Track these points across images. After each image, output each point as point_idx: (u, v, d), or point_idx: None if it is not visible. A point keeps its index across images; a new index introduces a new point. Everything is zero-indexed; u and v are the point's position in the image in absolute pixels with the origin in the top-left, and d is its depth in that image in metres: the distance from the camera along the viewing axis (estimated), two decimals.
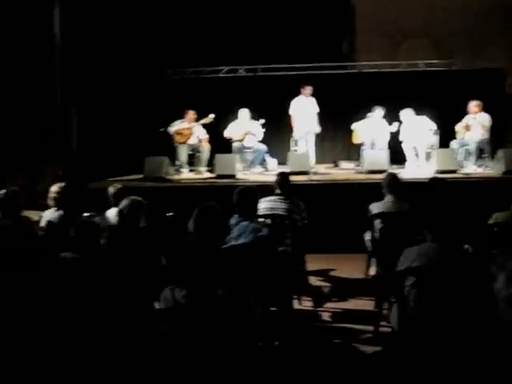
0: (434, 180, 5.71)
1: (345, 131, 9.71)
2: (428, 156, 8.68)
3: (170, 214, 5.39)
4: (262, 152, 9.29)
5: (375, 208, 5.22)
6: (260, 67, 10.57)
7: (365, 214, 5.30)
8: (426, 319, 3.15)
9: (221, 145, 9.17)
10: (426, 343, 3.15)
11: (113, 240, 4.02)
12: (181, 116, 9.35)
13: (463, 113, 8.70)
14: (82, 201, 4.59)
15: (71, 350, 2.87)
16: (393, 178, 5.41)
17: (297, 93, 9.43)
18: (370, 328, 4.45)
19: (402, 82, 9.91)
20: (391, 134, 9.01)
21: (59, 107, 8.54)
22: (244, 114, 9.24)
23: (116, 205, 4.88)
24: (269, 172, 8.87)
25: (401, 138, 8.89)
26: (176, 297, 2.64)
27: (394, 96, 9.50)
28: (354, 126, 9.29)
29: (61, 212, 4.67)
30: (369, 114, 9.25)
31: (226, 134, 9.22)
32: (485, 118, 8.54)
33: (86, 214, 4.84)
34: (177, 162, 9.23)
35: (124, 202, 4.21)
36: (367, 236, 5.52)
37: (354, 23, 10.69)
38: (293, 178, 6.50)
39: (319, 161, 9.94)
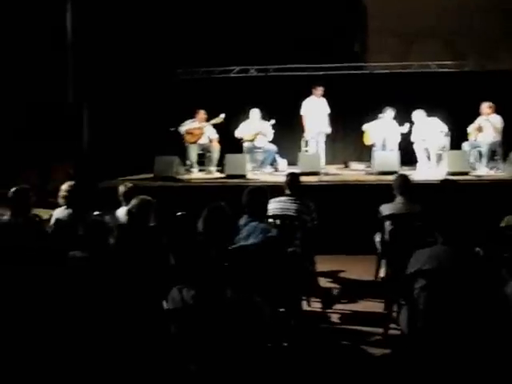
0: (445, 182, 5.66)
1: (356, 132, 9.67)
2: (439, 158, 8.63)
3: (180, 213, 5.38)
4: (272, 152, 9.28)
5: (386, 209, 5.19)
6: (271, 67, 10.55)
7: (375, 215, 5.27)
8: (436, 322, 3.12)
9: (231, 145, 9.17)
10: (436, 347, 3.12)
11: (122, 239, 4.02)
12: (191, 116, 9.36)
13: (475, 114, 8.63)
14: (91, 200, 4.57)
15: (78, 348, 2.87)
16: (403, 179, 5.38)
17: (308, 93, 9.42)
18: (380, 330, 4.42)
19: (413, 83, 9.83)
20: (402, 135, 8.97)
21: (71, 106, 8.57)
22: (255, 114, 9.24)
23: (126, 204, 4.90)
24: (279, 172, 8.86)
25: (412, 139, 8.84)
26: (184, 297, 2.63)
27: (406, 97, 9.43)
28: (366, 126, 9.26)
29: (70, 210, 4.67)
30: (380, 115, 9.21)
31: (237, 133, 9.22)
32: (497, 120, 8.47)
33: (96, 213, 4.87)
34: (187, 162, 9.24)
35: (133, 202, 4.22)
36: (377, 237, 5.48)
37: (365, 23, 10.62)
38: (303, 178, 6.49)
39: (330, 161, 9.94)
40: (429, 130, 8.72)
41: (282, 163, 9.41)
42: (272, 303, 3.56)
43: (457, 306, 3.06)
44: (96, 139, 8.86)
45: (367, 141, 9.28)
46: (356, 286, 5.81)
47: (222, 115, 9.16)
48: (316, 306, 5.12)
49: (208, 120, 9.28)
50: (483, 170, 8.32)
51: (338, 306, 5.18)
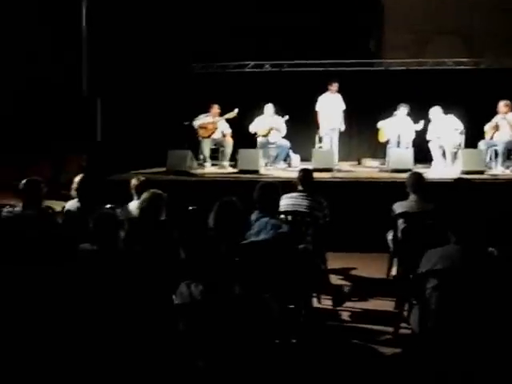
0: (459, 180, 5.60)
1: (370, 129, 9.61)
2: (454, 156, 8.54)
3: (192, 208, 5.38)
4: (285, 148, 9.26)
5: (399, 207, 5.15)
6: (286, 63, 10.50)
7: (388, 213, 5.23)
8: (448, 323, 3.08)
9: (244, 140, 9.15)
10: (447, 347, 3.08)
11: (132, 233, 4.02)
12: (205, 110, 9.34)
13: (492, 112, 8.52)
14: (102, 192, 4.57)
15: (87, 342, 2.87)
16: (417, 177, 5.33)
17: (322, 89, 9.38)
18: (390, 329, 4.39)
19: (429, 80, 9.75)
20: (417, 132, 8.89)
21: (85, 100, 8.60)
22: (269, 109, 9.21)
23: (138, 197, 4.90)
24: (292, 168, 8.83)
25: (428, 136, 8.74)
26: (192, 292, 2.62)
27: (421, 94, 9.35)
28: (380, 124, 9.19)
29: (82, 202, 4.67)
30: (395, 112, 9.14)
31: (252, 128, 9.20)
32: None
33: (107, 206, 4.87)
34: (200, 156, 9.24)
35: (144, 195, 4.21)
36: (390, 236, 5.44)
37: (382, 19, 10.53)
38: (316, 174, 6.48)
39: (344, 158, 9.90)
40: (444, 127, 8.63)
41: (295, 159, 9.39)
42: (282, 300, 3.55)
43: (469, 307, 3.02)
44: (109, 132, 8.89)
45: (382, 138, 9.22)
46: (367, 284, 5.76)
47: (236, 110, 9.15)
48: (326, 303, 5.07)
49: (222, 115, 9.27)
50: (499, 169, 8.22)
51: (349, 304, 5.14)
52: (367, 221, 6.67)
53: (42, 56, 8.98)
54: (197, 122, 9.26)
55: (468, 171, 7.72)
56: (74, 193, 4.84)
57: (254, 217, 4.06)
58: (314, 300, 4.92)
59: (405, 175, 5.78)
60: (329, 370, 3.77)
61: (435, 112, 8.71)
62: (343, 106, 9.39)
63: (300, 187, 5.40)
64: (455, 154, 8.52)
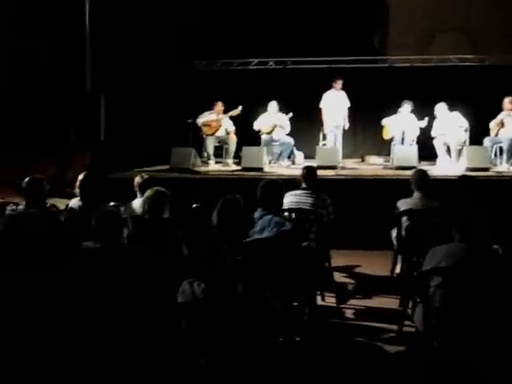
0: (463, 178, 5.57)
1: (375, 126, 9.57)
2: (459, 153, 8.50)
3: (195, 205, 5.36)
4: (289, 145, 9.24)
5: (403, 205, 5.13)
6: (290, 60, 10.47)
7: (393, 210, 5.21)
8: (452, 321, 3.07)
9: (248, 137, 9.13)
10: (451, 345, 3.07)
11: (135, 230, 4.02)
12: (209, 107, 9.33)
13: (498, 109, 8.47)
14: (106, 190, 4.56)
15: (89, 339, 2.87)
16: (421, 174, 5.31)
17: (326, 86, 9.34)
18: (394, 327, 4.37)
19: (434, 77, 9.70)
20: (421, 129, 8.85)
21: (89, 98, 8.61)
22: (272, 106, 9.19)
23: (141, 195, 4.90)
24: (296, 165, 8.81)
25: (433, 133, 8.69)
26: (195, 291, 2.61)
27: (426, 91, 9.30)
28: (385, 121, 9.16)
29: (84, 200, 4.67)
30: (400, 109, 9.11)
31: (256, 126, 9.18)
32: None
33: (111, 204, 4.88)
34: (204, 154, 9.23)
35: (148, 193, 4.21)
36: (394, 233, 5.42)
37: (386, 16, 10.49)
38: (320, 172, 6.46)
39: (349, 155, 9.87)
40: (449, 124, 8.58)
41: (299, 156, 9.36)
42: (285, 297, 3.54)
43: (473, 305, 3.00)
44: (113, 130, 8.89)
45: (386, 135, 9.19)
46: (371, 282, 5.74)
47: (240, 107, 9.13)
48: (330, 300, 5.08)
49: (225, 112, 9.25)
50: (504, 166, 8.17)
51: (353, 302, 5.14)
52: (371, 218, 6.65)
53: (45, 54, 8.98)
54: (200, 120, 9.24)
55: (473, 168, 7.68)
56: (77, 190, 4.84)
57: (257, 214, 4.04)
58: (318, 297, 4.91)
59: (409, 172, 5.75)
60: (332, 367, 3.76)
61: (440, 108, 8.66)
62: (348, 104, 9.36)
63: (304, 185, 5.38)
64: (460, 151, 8.47)
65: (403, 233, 4.90)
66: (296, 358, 3.59)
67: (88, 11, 8.64)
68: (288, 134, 9.23)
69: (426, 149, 8.75)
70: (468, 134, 8.56)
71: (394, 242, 5.41)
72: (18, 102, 9.28)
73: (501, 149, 8.38)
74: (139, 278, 3.21)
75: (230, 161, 9.17)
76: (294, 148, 9.36)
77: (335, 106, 9.28)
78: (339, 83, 9.26)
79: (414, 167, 7.12)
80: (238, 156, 9.01)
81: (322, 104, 9.32)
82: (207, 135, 9.24)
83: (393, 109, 9.14)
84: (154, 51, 9.57)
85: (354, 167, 9.05)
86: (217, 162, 9.28)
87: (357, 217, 6.77)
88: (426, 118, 8.68)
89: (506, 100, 8.36)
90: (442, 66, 9.96)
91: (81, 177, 4.96)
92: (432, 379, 3.18)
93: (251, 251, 3.63)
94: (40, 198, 4.43)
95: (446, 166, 8.41)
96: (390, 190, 6.54)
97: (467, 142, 8.53)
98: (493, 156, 8.39)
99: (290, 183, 5.53)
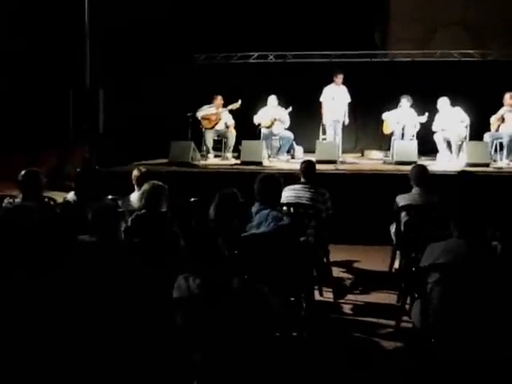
0: (461, 173, 5.54)
1: (375, 121, 9.54)
2: (459, 148, 8.46)
3: (194, 199, 5.35)
4: (288, 139, 9.21)
5: (402, 200, 5.11)
6: (290, 54, 10.43)
7: (392, 205, 5.19)
8: (449, 318, 3.05)
9: (247, 131, 9.10)
10: (449, 342, 3.05)
11: (132, 224, 4.00)
12: (209, 101, 9.29)
13: (499, 105, 8.43)
14: (97, 184, 4.52)
15: (83, 334, 2.85)
16: (420, 170, 5.28)
17: (327, 81, 9.31)
18: (392, 322, 4.36)
19: (435, 72, 9.65)
20: (422, 124, 8.82)
21: (87, 91, 8.58)
22: (272, 100, 9.15)
23: (139, 188, 4.88)
24: (295, 160, 8.79)
25: (434, 127, 8.64)
26: (190, 286, 2.59)
27: (427, 86, 9.26)
28: (385, 115, 9.12)
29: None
30: (400, 104, 9.07)
31: (256, 119, 9.15)
32: None
33: (109, 197, 4.86)
34: (203, 148, 9.20)
35: (145, 187, 4.18)
36: (393, 228, 5.40)
37: (387, 10, 10.43)
38: (319, 166, 6.43)
39: (349, 150, 9.85)
40: (450, 119, 8.54)
41: (299, 150, 9.34)
42: (282, 292, 3.52)
43: (471, 302, 2.98)
44: (112, 124, 8.86)
45: (386, 130, 9.16)
46: (370, 277, 5.73)
47: (239, 101, 9.10)
48: (328, 295, 5.06)
49: (225, 106, 9.22)
50: (504, 162, 8.14)
51: (351, 297, 5.12)
52: (371, 213, 6.62)
53: (44, 48, 8.94)
54: (200, 113, 9.21)
55: (473, 163, 7.66)
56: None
57: (254, 209, 4.02)
58: (316, 292, 4.90)
59: (409, 167, 5.73)
60: (330, 362, 3.75)
61: (443, 103, 8.60)
62: (348, 99, 9.32)
63: (303, 179, 5.35)
64: (460, 146, 8.44)
65: (402, 228, 4.87)
66: (293, 353, 3.58)
67: (87, 4, 8.58)
68: (288, 128, 9.20)
69: (427, 144, 8.72)
70: (468, 129, 8.53)
71: (393, 237, 5.39)
72: (18, 95, 9.24)
73: (501, 144, 8.34)
74: (135, 272, 3.19)
75: (229, 154, 9.15)
76: (294, 142, 9.34)
77: (335, 100, 9.24)
78: (340, 77, 9.22)
79: (414, 162, 7.09)
80: (237, 150, 8.99)
81: (322, 98, 9.29)
82: (206, 129, 9.22)
83: (393, 103, 9.10)
84: (154, 44, 9.52)
85: (353, 162, 9.03)
86: (216, 156, 9.25)
87: (356, 212, 6.75)
88: (427, 114, 8.65)
89: (507, 95, 8.31)
90: (443, 61, 9.91)
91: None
92: (429, 375, 3.16)
93: (248, 246, 3.61)
94: (36, 191, 4.41)
95: (445, 162, 8.38)
96: (389, 185, 6.52)
97: (467, 138, 8.50)
98: (493, 151, 8.36)
99: (290, 177, 5.51)
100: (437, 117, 8.64)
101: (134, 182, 5.29)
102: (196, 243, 2.72)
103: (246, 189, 4.12)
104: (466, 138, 8.50)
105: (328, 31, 9.90)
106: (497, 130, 8.40)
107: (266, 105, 9.21)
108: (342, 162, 8.52)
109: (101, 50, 8.98)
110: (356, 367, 3.73)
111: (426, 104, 8.85)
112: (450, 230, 3.28)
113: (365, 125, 10.35)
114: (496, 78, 9.11)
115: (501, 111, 8.38)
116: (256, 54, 10.56)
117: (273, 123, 9.14)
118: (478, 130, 8.55)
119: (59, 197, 5.09)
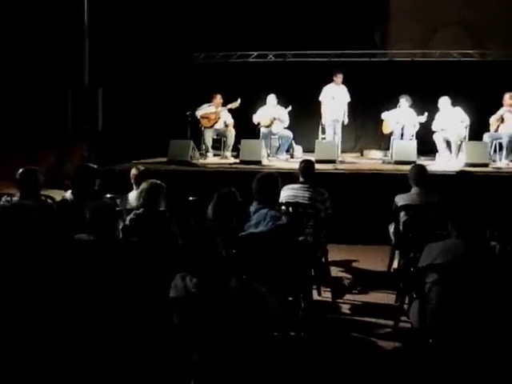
0: (460, 173, 5.53)
1: (375, 120, 9.53)
2: (459, 148, 8.45)
3: (192, 198, 5.34)
4: (288, 139, 9.20)
5: (401, 200, 5.10)
6: (290, 53, 10.42)
7: (391, 205, 5.18)
8: (448, 318, 3.04)
9: (247, 130, 9.09)
10: (446, 342, 3.04)
11: (130, 223, 3.99)
12: (208, 100, 9.29)
13: (499, 105, 8.42)
14: (94, 183, 4.52)
15: (80, 333, 2.84)
16: (419, 169, 5.27)
17: (326, 80, 9.29)
18: (390, 322, 4.35)
19: (434, 72, 9.64)
20: (421, 124, 8.81)
21: (86, 90, 8.57)
22: (271, 99, 9.14)
23: (137, 187, 4.87)
24: (294, 159, 8.77)
25: (433, 127, 8.63)
26: (187, 285, 2.58)
27: (427, 86, 9.25)
28: (384, 115, 9.12)
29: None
30: (399, 104, 9.06)
31: (255, 118, 9.14)
32: None
33: (108, 196, 4.85)
34: (202, 147, 9.19)
35: (143, 185, 4.17)
36: (391, 228, 5.39)
37: (387, 10, 10.42)
38: (319, 166, 6.42)
39: (348, 149, 9.84)
40: (450, 119, 8.53)
41: (298, 150, 9.33)
42: (280, 292, 3.51)
43: (469, 303, 2.97)
44: (111, 122, 8.85)
45: (386, 129, 9.15)
46: (368, 277, 5.73)
47: (239, 100, 9.10)
48: (327, 295, 5.06)
49: (224, 105, 9.21)
50: (503, 162, 8.14)
51: (349, 297, 5.12)
52: (370, 213, 6.61)
53: (43, 46, 8.93)
54: (199, 112, 9.20)
55: (472, 164, 7.65)
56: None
57: (252, 208, 4.02)
58: (315, 292, 4.89)
59: (408, 167, 5.72)
60: (328, 362, 3.74)
61: (444, 102, 8.59)
62: (348, 99, 9.30)
63: (301, 178, 5.34)
64: (459, 146, 8.43)
65: (401, 228, 4.86)
66: (290, 352, 3.57)
67: (86, 4, 8.57)
68: (287, 128, 9.19)
69: (426, 144, 8.72)
70: (468, 130, 8.52)
71: (392, 237, 5.38)
72: (17, 94, 9.23)
73: (500, 144, 8.34)
74: (133, 271, 3.19)
75: (229, 153, 9.13)
76: (293, 141, 9.33)
77: (335, 99, 9.22)
78: (339, 77, 9.21)
79: (413, 162, 7.09)
80: (236, 149, 8.98)
81: (322, 97, 9.27)
82: (206, 128, 9.21)
83: (393, 103, 9.09)
84: (153, 43, 9.51)
85: (352, 161, 9.01)
86: (215, 155, 9.24)
87: (355, 211, 6.74)
88: (426, 113, 8.64)
89: (507, 95, 8.30)
90: (442, 61, 9.90)
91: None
92: (427, 375, 3.16)
93: (246, 245, 3.60)
94: (34, 190, 4.40)
95: (445, 162, 8.37)
96: (388, 185, 6.51)
97: (467, 138, 8.50)
98: (492, 152, 8.35)
99: (289, 177, 5.50)
100: (437, 116, 8.62)
101: (132, 181, 5.29)
102: (193, 242, 2.71)
103: (245, 188, 4.12)
104: (465, 138, 8.50)
105: (328, 31, 9.88)
106: (496, 130, 8.39)
107: (265, 104, 9.20)
108: (341, 162, 8.51)
109: (100, 49, 8.96)
110: (354, 367, 3.73)
111: (425, 104, 8.84)
112: (449, 230, 3.27)
113: (364, 124, 10.33)
114: (495, 78, 9.10)
115: (500, 111, 8.37)
116: (255, 53, 10.54)
117: (272, 122, 9.13)
118: (477, 130, 8.54)
119: (58, 195, 5.07)
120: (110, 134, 8.72)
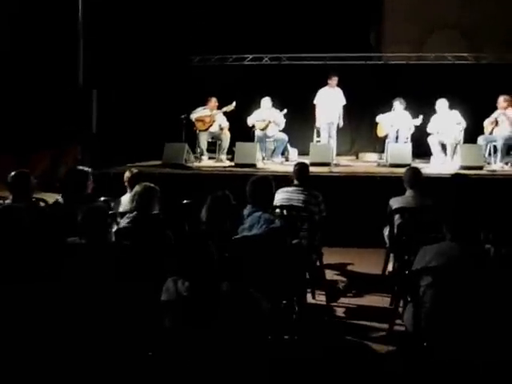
0: (455, 176, 5.52)
1: (370, 123, 9.54)
2: (454, 151, 8.46)
3: (186, 201, 5.31)
4: (283, 141, 9.19)
5: (395, 203, 5.09)
6: (285, 56, 10.41)
7: (386, 208, 5.17)
8: (442, 321, 3.02)
9: (242, 133, 9.08)
10: (440, 346, 3.03)
11: (124, 226, 3.97)
12: (203, 103, 9.27)
13: (493, 107, 8.43)
14: (84, 186, 4.49)
15: (73, 336, 2.82)
16: (414, 172, 5.26)
17: (321, 83, 9.30)
18: (385, 326, 4.33)
19: (429, 75, 9.65)
20: (416, 126, 8.81)
21: (81, 91, 8.54)
22: (266, 102, 9.13)
23: (131, 190, 4.84)
24: (289, 162, 8.75)
25: (429, 129, 8.62)
26: (178, 288, 2.56)
27: (422, 89, 9.26)
28: (379, 118, 9.12)
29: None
30: (394, 107, 9.06)
31: (249, 121, 9.12)
32: None
33: (102, 199, 4.82)
34: (197, 150, 9.17)
35: (136, 188, 4.14)
36: (386, 231, 5.38)
37: (382, 13, 10.43)
38: (313, 169, 6.41)
39: (344, 152, 9.83)
40: (446, 121, 8.53)
41: (293, 153, 9.32)
42: (274, 295, 3.49)
43: (463, 306, 2.96)
44: (105, 125, 8.82)
45: (380, 132, 9.14)
46: (363, 280, 5.71)
47: (234, 103, 9.08)
48: (321, 298, 5.03)
49: (219, 108, 9.19)
50: (498, 165, 8.14)
51: (344, 300, 5.10)
52: (364, 216, 6.60)
53: (37, 48, 8.90)
54: (194, 115, 9.18)
55: (467, 166, 7.65)
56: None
57: (246, 211, 3.99)
58: (309, 295, 4.87)
59: (403, 170, 5.71)
60: (322, 366, 3.72)
61: (441, 104, 8.58)
62: (343, 101, 9.30)
63: (296, 181, 5.33)
64: (454, 149, 8.43)
65: (395, 231, 4.85)
66: (284, 356, 3.54)
67: (81, 5, 8.55)
68: (282, 130, 9.17)
69: (421, 146, 8.72)
70: (463, 132, 8.53)
71: (387, 240, 5.37)
72: (11, 96, 9.19)
73: (495, 147, 8.35)
74: (125, 275, 3.16)
75: (224, 157, 9.11)
76: (288, 144, 9.31)
77: (329, 102, 9.23)
78: (334, 80, 9.21)
79: (408, 165, 7.07)
80: (231, 152, 8.96)
81: (316, 100, 9.28)
82: (200, 131, 9.18)
83: (388, 106, 9.10)
84: (148, 45, 9.49)
85: (347, 164, 9.00)
86: (210, 158, 9.22)
87: (350, 214, 6.73)
88: (421, 116, 8.64)
89: (501, 98, 8.31)
90: (437, 64, 9.91)
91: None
92: (421, 379, 3.14)
93: (239, 248, 3.58)
94: (26, 193, 4.37)
95: (439, 164, 8.37)
96: (383, 188, 6.50)
97: (461, 141, 8.50)
98: (487, 154, 8.36)
99: (284, 180, 5.49)
100: (433, 118, 8.62)
101: (125, 184, 5.25)
102: (185, 246, 2.69)
103: (240, 191, 4.10)
104: (459, 141, 8.50)
105: (323, 33, 9.88)
106: (490, 133, 8.40)
107: (260, 107, 9.19)
108: (336, 165, 8.50)
109: (94, 51, 8.93)
110: (348, 371, 3.71)
111: (420, 107, 8.85)
112: (443, 233, 3.25)
113: (359, 127, 10.34)
114: (490, 81, 9.11)
115: (494, 114, 8.38)
116: (251, 56, 10.53)
117: (267, 125, 9.11)
118: (472, 133, 8.55)
119: (52, 198, 5.04)
120: (105, 137, 8.69)
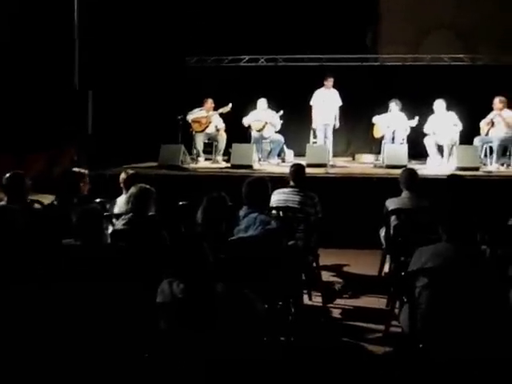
0: (451, 177, 5.52)
1: (366, 124, 9.54)
2: (450, 152, 8.47)
3: (182, 203, 5.30)
4: (279, 143, 9.19)
5: (391, 204, 5.08)
6: (281, 57, 10.42)
7: (382, 209, 5.16)
8: (438, 322, 3.02)
9: (238, 134, 9.07)
10: (436, 347, 3.02)
11: (119, 228, 3.96)
12: (199, 104, 9.26)
13: (489, 109, 8.44)
14: (79, 187, 4.48)
15: (70, 340, 2.81)
16: (410, 173, 5.26)
17: (317, 84, 9.30)
18: (381, 327, 4.33)
19: (425, 76, 9.67)
20: (412, 128, 8.82)
21: (76, 93, 8.52)
22: (262, 103, 9.13)
23: (126, 192, 4.83)
24: (286, 163, 8.75)
25: (426, 129, 8.62)
26: (174, 290, 2.55)
27: (418, 90, 9.28)
28: (375, 119, 9.13)
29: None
30: (390, 108, 9.07)
31: (245, 121, 9.11)
32: (509, 115, 8.27)
33: (97, 200, 4.81)
34: (193, 151, 9.16)
35: (132, 190, 4.13)
36: (383, 232, 5.37)
37: (378, 14, 10.44)
38: (310, 170, 6.40)
39: (340, 153, 9.83)
40: (443, 122, 8.54)
41: (289, 154, 9.32)
42: (270, 297, 3.48)
43: (459, 307, 2.95)
44: (101, 126, 8.81)
45: (377, 133, 9.16)
46: (359, 281, 5.70)
47: (230, 104, 9.08)
48: (317, 300, 5.03)
49: (216, 109, 9.19)
50: (494, 166, 8.16)
51: (340, 301, 5.09)
52: (361, 217, 6.60)
53: (33, 49, 8.88)
54: (190, 116, 9.18)
55: (463, 167, 7.66)
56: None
57: (242, 212, 3.98)
58: (305, 297, 4.87)
59: (399, 171, 5.71)
60: (318, 367, 3.71)
61: (439, 105, 8.58)
62: (339, 103, 9.30)
63: (292, 183, 5.33)
64: (450, 150, 8.44)
65: (391, 232, 4.85)
66: (280, 357, 3.54)
67: (77, 5, 8.53)
68: (278, 132, 9.17)
69: (417, 148, 8.73)
70: (459, 133, 8.55)
71: (383, 241, 5.36)
72: (6, 97, 9.16)
73: (491, 148, 8.36)
74: (120, 277, 3.15)
75: (220, 158, 9.11)
76: (284, 146, 9.31)
77: (326, 103, 9.23)
78: (330, 81, 9.22)
79: (404, 166, 7.07)
80: (227, 153, 8.95)
81: (313, 101, 9.28)
82: (197, 132, 9.18)
83: (384, 107, 9.12)
84: (144, 47, 9.48)
85: (343, 165, 9.01)
86: (206, 159, 9.21)
87: (346, 216, 6.73)
88: (417, 117, 8.65)
89: (496, 100, 8.32)
90: (433, 65, 9.93)
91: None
92: (417, 380, 3.14)
93: (235, 250, 3.57)
94: (21, 194, 4.36)
95: (435, 166, 8.38)
96: (379, 189, 6.50)
97: (457, 142, 8.51)
98: (482, 156, 8.37)
99: (280, 181, 5.49)
100: (429, 119, 8.62)
101: (121, 185, 5.24)
102: (180, 247, 2.68)
103: (236, 192, 4.09)
104: (455, 142, 8.51)
105: (319, 35, 9.88)
106: (486, 134, 8.41)
107: (256, 108, 9.18)
108: (333, 166, 8.50)
109: (90, 52, 8.92)
110: (344, 372, 3.70)
111: (416, 108, 8.87)
112: (439, 234, 3.25)
113: (355, 128, 10.34)
114: (486, 82, 9.13)
115: (490, 115, 8.39)
116: (247, 58, 10.53)
117: (264, 127, 9.11)
118: (468, 135, 8.56)
119: (47, 199, 5.03)
120: (100, 138, 8.67)
